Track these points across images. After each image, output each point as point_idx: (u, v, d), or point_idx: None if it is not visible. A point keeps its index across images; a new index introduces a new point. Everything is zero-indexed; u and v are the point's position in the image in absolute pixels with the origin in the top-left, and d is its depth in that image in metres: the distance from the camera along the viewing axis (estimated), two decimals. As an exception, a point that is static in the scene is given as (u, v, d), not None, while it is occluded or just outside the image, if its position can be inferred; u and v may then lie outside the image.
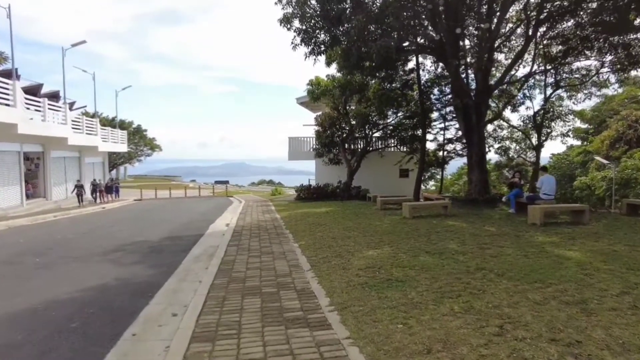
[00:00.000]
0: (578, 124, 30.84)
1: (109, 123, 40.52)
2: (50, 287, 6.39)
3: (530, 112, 19.65)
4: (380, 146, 23.67)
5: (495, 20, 14.30)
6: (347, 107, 22.02)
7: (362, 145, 23.10)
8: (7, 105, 16.95)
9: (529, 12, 14.43)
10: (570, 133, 26.13)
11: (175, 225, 13.70)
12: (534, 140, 19.57)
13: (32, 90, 22.83)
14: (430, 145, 22.72)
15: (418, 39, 15.65)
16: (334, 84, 20.48)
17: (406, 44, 15.23)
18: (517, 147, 22.65)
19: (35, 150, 22.56)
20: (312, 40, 14.72)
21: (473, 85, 16.50)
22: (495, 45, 15.54)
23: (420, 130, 20.44)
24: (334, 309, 4.70)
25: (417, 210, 12.11)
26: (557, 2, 14.08)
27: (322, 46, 14.94)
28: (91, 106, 41.83)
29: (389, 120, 22.81)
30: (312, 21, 14.26)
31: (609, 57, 16.00)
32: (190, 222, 14.50)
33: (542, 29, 15.43)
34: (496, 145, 22.52)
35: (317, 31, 14.59)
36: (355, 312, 4.51)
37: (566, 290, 4.77)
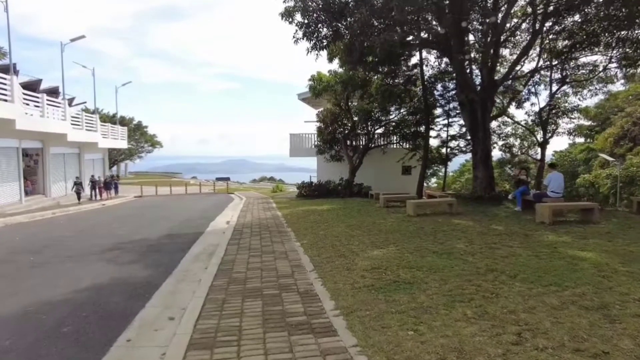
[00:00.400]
0: (582, 121, 30.53)
1: (110, 119, 40.27)
2: (43, 287, 6.15)
3: (536, 109, 19.35)
4: (382, 143, 23.37)
5: (500, 14, 14.01)
6: (349, 103, 21.73)
7: (364, 142, 22.81)
8: (5, 100, 16.69)
9: (536, 6, 14.11)
10: (574, 130, 25.83)
11: (175, 222, 13.47)
12: (539, 137, 19.26)
13: (31, 86, 22.55)
14: (433, 142, 22.48)
15: (422, 34, 15.36)
16: (336, 79, 20.16)
17: (410, 38, 14.93)
18: (522, 144, 22.31)
19: (34, 146, 22.31)
20: (314, 35, 14.43)
21: (477, 81, 16.24)
22: (501, 39, 15.24)
23: (423, 126, 20.17)
24: (339, 314, 4.46)
25: (422, 208, 11.86)
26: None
27: (324, 41, 14.65)
28: (91, 102, 41.57)
29: (391, 117, 22.50)
30: (315, 15, 13.97)
31: (616, 52, 15.71)
32: (190, 219, 14.26)
33: (548, 24, 15.12)
34: (500, 142, 22.19)
35: (319, 25, 14.30)
36: (362, 317, 4.27)
37: (584, 294, 4.52)
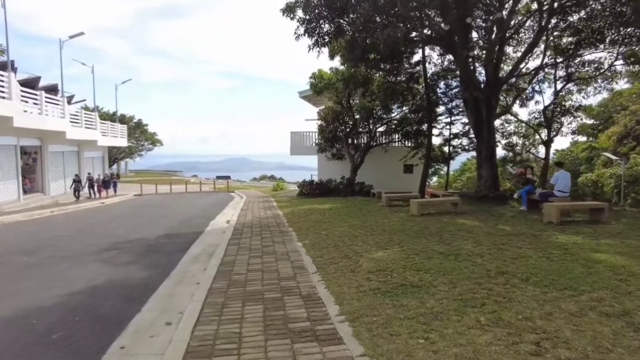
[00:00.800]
0: (584, 119, 30.25)
1: (110, 118, 40.04)
2: (35, 290, 5.92)
3: (540, 107, 19.10)
4: (384, 141, 23.12)
5: (505, 10, 13.76)
6: (351, 101, 21.47)
7: (365, 140, 22.57)
8: (3, 97, 16.47)
9: (541, 2, 13.85)
10: (576, 129, 25.58)
11: (174, 222, 13.25)
12: (544, 136, 19.01)
13: (30, 84, 22.32)
14: (436, 140, 22.23)
15: (425, 30, 15.10)
16: (338, 77, 19.92)
17: (414, 34, 14.67)
18: (525, 143, 22.05)
19: (33, 144, 22.09)
20: (316, 31, 14.18)
21: (481, 79, 16.00)
22: (506, 36, 14.98)
23: (426, 124, 19.93)
24: (344, 319, 4.23)
25: (426, 207, 11.63)
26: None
27: (326, 37, 14.41)
28: (91, 100, 41.37)
29: (393, 115, 22.24)
30: (316, 10, 13.71)
31: (622, 49, 15.46)
32: (189, 218, 14.05)
33: (553, 20, 14.86)
34: (503, 141, 21.92)
35: (321, 21, 14.05)
36: (369, 324, 4.04)
37: (603, 299, 4.29)
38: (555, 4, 13.68)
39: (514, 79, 17.18)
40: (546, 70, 18.06)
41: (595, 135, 35.42)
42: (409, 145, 22.11)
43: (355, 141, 22.86)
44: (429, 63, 19.19)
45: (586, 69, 17.11)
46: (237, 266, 6.68)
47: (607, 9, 13.54)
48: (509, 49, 17.75)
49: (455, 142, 22.19)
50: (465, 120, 21.60)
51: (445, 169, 31.96)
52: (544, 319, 3.87)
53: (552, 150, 23.31)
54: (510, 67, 17.22)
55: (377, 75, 19.54)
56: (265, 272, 6.27)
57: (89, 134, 26.72)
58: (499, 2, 13.72)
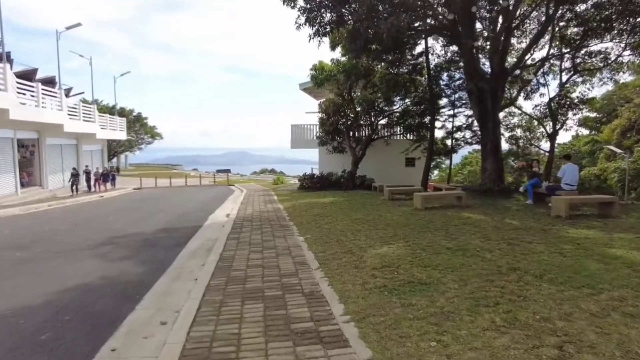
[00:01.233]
0: (587, 112, 29.92)
1: (109, 111, 39.69)
2: (26, 287, 5.68)
3: (545, 99, 18.75)
4: (386, 134, 22.80)
5: (511, 0, 13.41)
6: (352, 93, 21.12)
7: (367, 133, 22.25)
8: (-2, 89, 16.16)
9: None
10: (580, 121, 25.21)
11: (173, 215, 13.00)
12: (548, 128, 18.69)
13: (27, 76, 21.99)
14: (439, 133, 21.91)
15: (429, 20, 14.76)
16: (339, 68, 19.54)
17: (417, 24, 14.33)
18: (530, 136, 21.71)
19: (30, 137, 21.80)
20: (317, 20, 13.84)
21: (486, 71, 15.66)
22: (512, 26, 14.63)
23: (428, 117, 19.62)
24: (350, 319, 3.99)
25: (430, 200, 11.37)
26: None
27: (327, 27, 14.06)
28: (89, 93, 40.97)
29: (395, 107, 21.90)
30: (318, -1, 13.37)
31: (630, 39, 15.11)
32: (188, 212, 13.80)
33: (561, 10, 14.49)
34: (507, 134, 21.61)
35: (322, 10, 13.71)
36: (376, 324, 3.79)
37: (625, 299, 4.04)
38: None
39: (519, 70, 16.85)
40: (552, 61, 17.72)
41: (598, 129, 35.08)
42: (411, 138, 21.79)
43: (357, 134, 22.55)
44: (432, 54, 18.87)
45: (592, 59, 16.76)
46: (237, 262, 6.44)
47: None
48: (513, 40, 17.42)
49: (458, 134, 21.89)
50: (469, 112, 21.29)
51: (446, 162, 31.69)
52: (563, 320, 3.62)
53: (542, 151, 23.05)
54: (514, 59, 16.89)
55: (379, 66, 19.19)
56: (266, 268, 6.02)
57: (87, 127, 26.41)
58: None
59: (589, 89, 18.68)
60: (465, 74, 16.28)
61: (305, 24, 13.68)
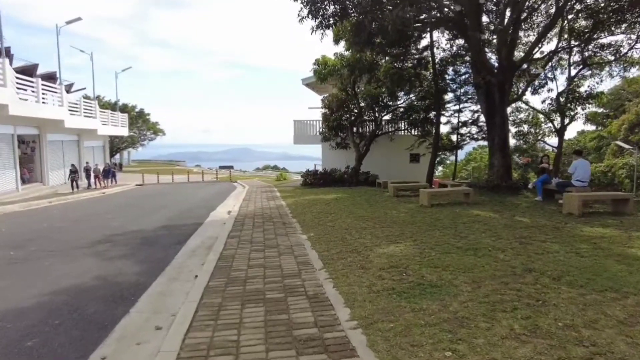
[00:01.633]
0: (594, 108, 29.43)
1: (111, 107, 39.48)
2: (16, 288, 5.44)
3: (553, 94, 18.38)
4: (390, 130, 22.47)
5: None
6: (356, 88, 20.79)
7: (371, 129, 21.93)
8: (-4, 84, 15.94)
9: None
10: (588, 116, 24.74)
11: (174, 212, 12.77)
12: (556, 124, 18.31)
13: (27, 71, 21.78)
14: (444, 129, 21.57)
15: (434, 12, 14.39)
16: (342, 63, 19.20)
17: (423, 16, 13.97)
18: (537, 131, 21.30)
19: (31, 133, 21.63)
20: (320, 13, 13.50)
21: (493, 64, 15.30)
22: (521, 18, 14.26)
23: (434, 112, 19.27)
24: (357, 325, 3.71)
25: (436, 197, 11.08)
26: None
27: (331, 19, 13.72)
28: (90, 90, 40.79)
29: (399, 102, 21.56)
30: (321, -10, 13.03)
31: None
32: (190, 209, 13.56)
33: (570, 2, 14.10)
34: (514, 129, 21.22)
35: (325, 2, 13.36)
36: (386, 331, 3.52)
37: (653, 304, 3.75)
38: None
39: (527, 65, 16.47)
40: (560, 55, 17.33)
41: (604, 124, 34.58)
42: (416, 133, 21.46)
43: (361, 130, 22.26)
44: (437, 48, 18.50)
45: (603, 52, 16.37)
46: (237, 261, 6.18)
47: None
48: (521, 33, 17.03)
49: (463, 130, 21.55)
50: (475, 107, 20.95)
51: (450, 158, 31.27)
52: (589, 328, 3.34)
53: (550, 147, 22.62)
54: (522, 54, 16.51)
55: (384, 61, 18.84)
56: (268, 268, 5.76)
57: (88, 123, 26.22)
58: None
59: (597, 83, 18.33)
60: (472, 68, 15.94)
61: (308, 17, 13.35)
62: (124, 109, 45.25)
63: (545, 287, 4.34)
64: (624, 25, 14.63)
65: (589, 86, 18.10)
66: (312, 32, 13.77)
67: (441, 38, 18.32)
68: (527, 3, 14.21)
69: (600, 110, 32.88)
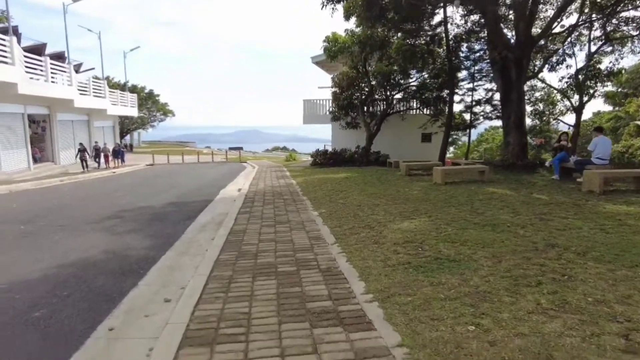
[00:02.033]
0: (612, 87, 28.48)
1: (120, 88, 39.37)
2: (25, 260, 5.38)
3: (571, 71, 17.77)
4: (401, 108, 22.02)
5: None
6: (367, 66, 20.29)
7: (382, 108, 21.51)
8: (5, 63, 15.81)
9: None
10: (608, 94, 24.01)
11: (183, 190, 12.68)
12: (574, 101, 17.76)
13: (36, 50, 21.61)
14: (457, 107, 21.04)
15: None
16: (353, 40, 18.69)
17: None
18: (554, 110, 20.72)
19: (41, 112, 21.62)
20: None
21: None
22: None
23: (447, 90, 18.78)
24: (372, 299, 3.56)
25: (450, 175, 10.82)
26: None
27: (342, -7, 13.30)
28: (99, 70, 40.66)
29: (411, 81, 21.03)
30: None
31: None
32: (200, 187, 13.47)
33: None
34: (529, 108, 20.64)
35: (336, -25, 12.93)
36: (403, 305, 3.36)
37: (688, 279, 3.53)
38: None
39: (545, 40, 15.89)
40: (580, 30, 16.68)
41: (622, 104, 33.62)
42: (428, 112, 21.00)
43: (371, 109, 21.82)
44: (451, 24, 17.89)
45: (626, 27, 15.70)
46: (248, 236, 6.05)
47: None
48: (539, 7, 16.38)
49: (477, 109, 21.02)
50: (489, 86, 20.38)
51: (462, 138, 30.73)
52: (622, 304, 3.14)
53: (572, 122, 21.98)
54: (539, 30, 15.89)
55: (396, 37, 18.31)
56: (279, 242, 5.62)
57: (98, 103, 26.16)
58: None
59: (617, 60, 17.65)
60: (488, 44, 15.41)
61: (319, -10, 12.94)
62: (133, 89, 45.09)
63: (570, 262, 4.13)
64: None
65: (610, 62, 17.49)
66: (323, 6, 13.41)
67: (455, 14, 17.70)
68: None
69: (618, 89, 31.91)
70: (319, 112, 24.58)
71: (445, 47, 17.97)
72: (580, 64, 17.75)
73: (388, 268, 4.28)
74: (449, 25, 17.48)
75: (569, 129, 19.54)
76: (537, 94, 20.92)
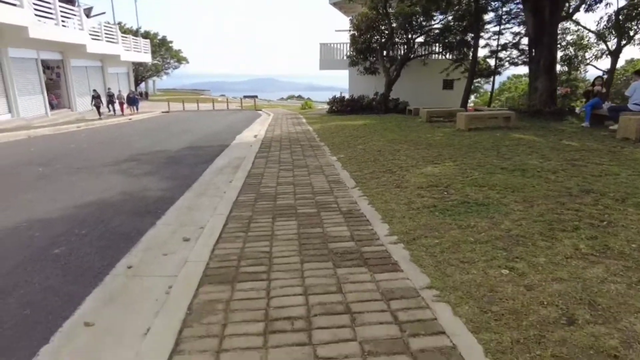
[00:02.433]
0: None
1: (132, 34, 38.45)
2: (44, 200, 5.36)
3: (610, 10, 16.46)
4: (423, 53, 20.99)
5: None
6: (388, 7, 19.14)
7: (402, 52, 20.53)
8: (13, 4, 15.34)
9: None
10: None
11: (199, 135, 12.54)
12: (610, 45, 16.60)
13: (44, -8, 20.93)
14: (481, 53, 19.93)
15: None
16: (374, -23, 17.55)
17: None
18: (585, 55, 19.49)
19: (54, 57, 21.29)
20: None
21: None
22: None
23: (471, 34, 17.72)
24: (397, 240, 3.41)
25: (474, 121, 10.35)
26: None
27: None
28: (110, 15, 39.56)
29: (434, 23, 19.85)
30: None
31: None
32: (216, 133, 13.30)
33: None
34: (559, 53, 19.42)
35: None
36: (430, 247, 3.20)
37: None
38: None
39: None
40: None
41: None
42: (451, 57, 19.99)
43: (391, 53, 20.85)
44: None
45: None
46: (266, 179, 5.91)
47: None
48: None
49: (502, 54, 19.89)
50: (516, 29, 19.16)
51: (485, 86, 29.50)
52: (670, 249, 2.91)
53: (597, 73, 20.70)
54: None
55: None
56: (297, 185, 5.47)
57: (111, 48, 25.61)
58: None
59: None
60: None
61: None
62: (146, 36, 44.08)
63: (608, 208, 3.87)
64: None
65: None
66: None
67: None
68: None
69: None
70: (336, 57, 23.64)
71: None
72: (622, 3, 16.40)
73: (412, 211, 4.10)
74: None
75: (603, 74, 18.46)
76: (569, 37, 19.58)
